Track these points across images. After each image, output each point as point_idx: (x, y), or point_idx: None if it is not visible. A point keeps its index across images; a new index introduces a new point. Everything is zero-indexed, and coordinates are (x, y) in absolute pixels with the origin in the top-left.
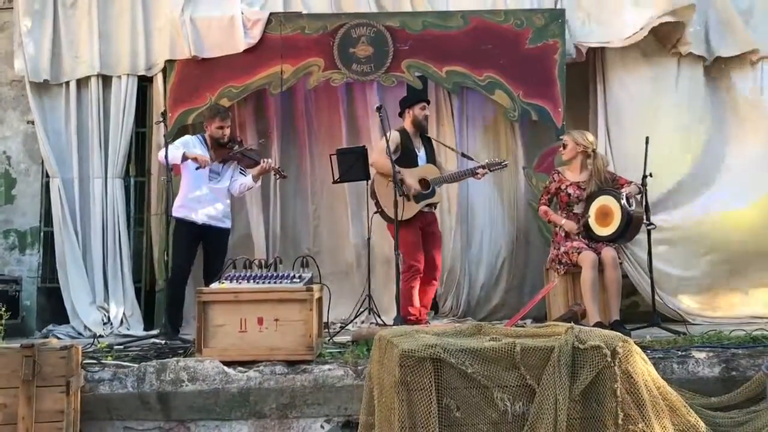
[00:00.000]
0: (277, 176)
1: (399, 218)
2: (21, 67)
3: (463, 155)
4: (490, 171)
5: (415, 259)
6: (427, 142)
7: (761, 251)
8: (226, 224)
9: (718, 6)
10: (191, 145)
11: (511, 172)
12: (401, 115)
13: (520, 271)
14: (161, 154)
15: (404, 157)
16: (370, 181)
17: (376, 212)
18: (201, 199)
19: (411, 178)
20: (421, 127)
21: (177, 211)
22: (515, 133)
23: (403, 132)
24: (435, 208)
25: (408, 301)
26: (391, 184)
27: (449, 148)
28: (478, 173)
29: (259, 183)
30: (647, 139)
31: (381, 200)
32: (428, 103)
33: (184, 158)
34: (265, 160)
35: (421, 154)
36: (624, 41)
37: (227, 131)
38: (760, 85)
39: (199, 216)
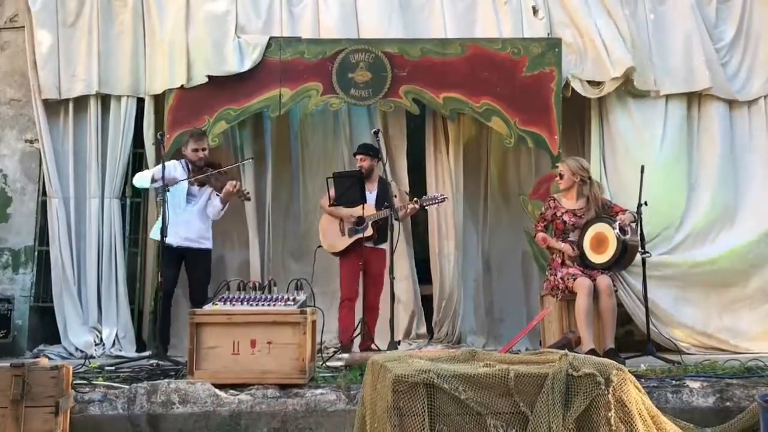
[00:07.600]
0: (242, 198)
1: (336, 250)
2: (34, 84)
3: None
4: (424, 208)
5: (346, 290)
6: (383, 185)
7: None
8: (204, 245)
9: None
10: (172, 168)
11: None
12: None
13: (515, 298)
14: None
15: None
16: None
17: (319, 246)
18: (178, 222)
19: (348, 215)
20: (365, 174)
21: (156, 234)
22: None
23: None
24: (380, 244)
25: (342, 331)
26: (333, 220)
27: (398, 188)
28: (400, 212)
29: (226, 207)
30: (642, 168)
31: (321, 236)
32: (368, 155)
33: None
34: (230, 182)
35: (372, 195)
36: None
37: (202, 153)
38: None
39: (176, 239)
